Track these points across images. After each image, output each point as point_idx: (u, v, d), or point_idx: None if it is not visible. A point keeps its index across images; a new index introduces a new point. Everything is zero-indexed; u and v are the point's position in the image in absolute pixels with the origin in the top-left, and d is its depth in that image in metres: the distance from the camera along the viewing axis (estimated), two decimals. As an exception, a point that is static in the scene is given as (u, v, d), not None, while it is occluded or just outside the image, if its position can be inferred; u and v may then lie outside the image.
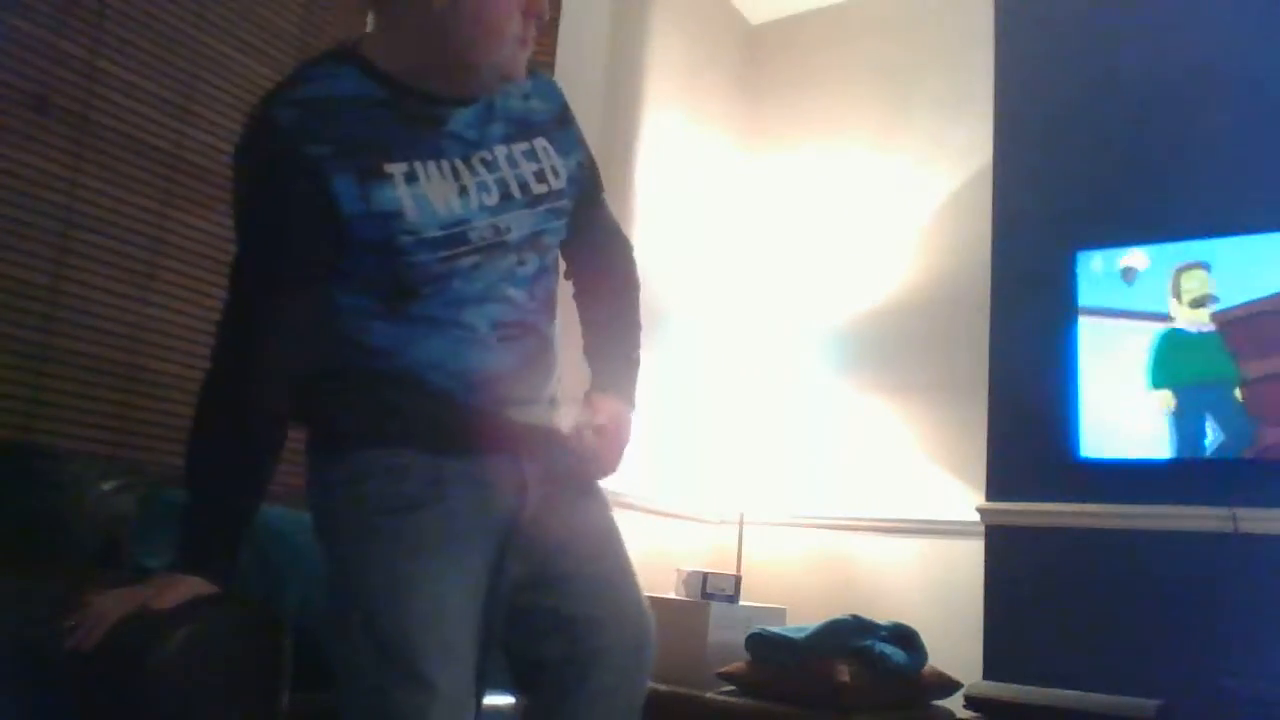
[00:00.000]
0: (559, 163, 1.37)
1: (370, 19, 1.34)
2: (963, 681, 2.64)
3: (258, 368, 1.26)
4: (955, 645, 2.82)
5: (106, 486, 1.88)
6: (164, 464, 2.20)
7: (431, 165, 1.25)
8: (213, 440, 1.28)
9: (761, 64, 4.03)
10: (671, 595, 3.01)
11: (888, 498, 3.36)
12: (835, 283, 3.63)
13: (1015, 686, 2.56)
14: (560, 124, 1.40)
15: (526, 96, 1.37)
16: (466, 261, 1.25)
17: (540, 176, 1.34)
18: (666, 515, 3.41)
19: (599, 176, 1.50)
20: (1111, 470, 2.73)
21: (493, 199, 1.28)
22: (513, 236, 1.30)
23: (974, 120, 3.33)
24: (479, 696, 1.25)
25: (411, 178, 1.23)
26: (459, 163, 1.27)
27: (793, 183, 3.85)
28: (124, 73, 2.20)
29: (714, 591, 2.95)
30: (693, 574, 3.00)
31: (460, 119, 1.29)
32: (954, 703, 2.69)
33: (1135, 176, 2.89)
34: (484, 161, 1.29)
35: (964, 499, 3.11)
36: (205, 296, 2.32)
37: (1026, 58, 3.16)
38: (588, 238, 1.47)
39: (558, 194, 1.36)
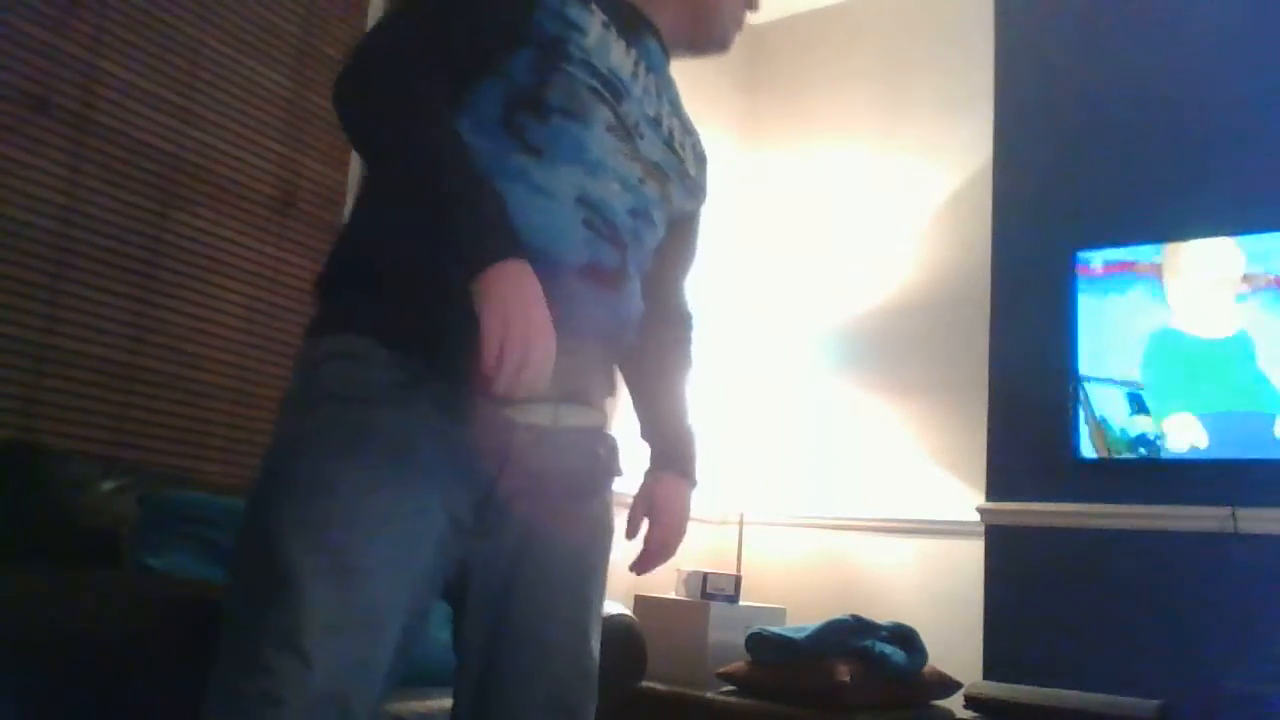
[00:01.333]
0: (695, 163, 1.35)
1: None
2: (963, 681, 2.65)
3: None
4: (955, 645, 2.82)
5: (106, 486, 1.88)
6: (164, 464, 2.20)
7: (623, 43, 1.22)
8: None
9: (762, 64, 4.03)
10: (671, 595, 3.02)
11: (888, 498, 3.36)
12: (835, 282, 3.63)
13: (1015, 686, 2.56)
14: (701, 161, 1.38)
15: (684, 112, 1.36)
16: (605, 116, 1.18)
17: (684, 145, 1.31)
18: (666, 515, 3.40)
19: (698, 238, 1.46)
20: (1111, 470, 2.73)
21: (648, 109, 1.25)
22: (644, 147, 1.24)
23: (974, 120, 3.32)
24: (389, 679, 1.06)
25: (606, 25, 1.20)
26: (643, 64, 1.25)
27: (793, 182, 3.85)
28: (124, 73, 2.20)
29: (714, 591, 2.95)
30: (693, 574, 3.00)
31: (656, 49, 1.30)
32: (954, 703, 2.69)
33: (1135, 176, 2.89)
34: (657, 88, 1.28)
35: (964, 499, 3.11)
36: (205, 296, 2.32)
37: (1026, 57, 3.16)
38: (670, 257, 1.39)
39: (689, 175, 1.33)
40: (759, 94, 4.01)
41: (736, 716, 2.58)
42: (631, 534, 1.31)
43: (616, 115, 1.19)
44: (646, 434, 1.41)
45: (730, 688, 2.67)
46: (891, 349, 3.47)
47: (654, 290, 1.34)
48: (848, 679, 2.44)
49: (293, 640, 0.96)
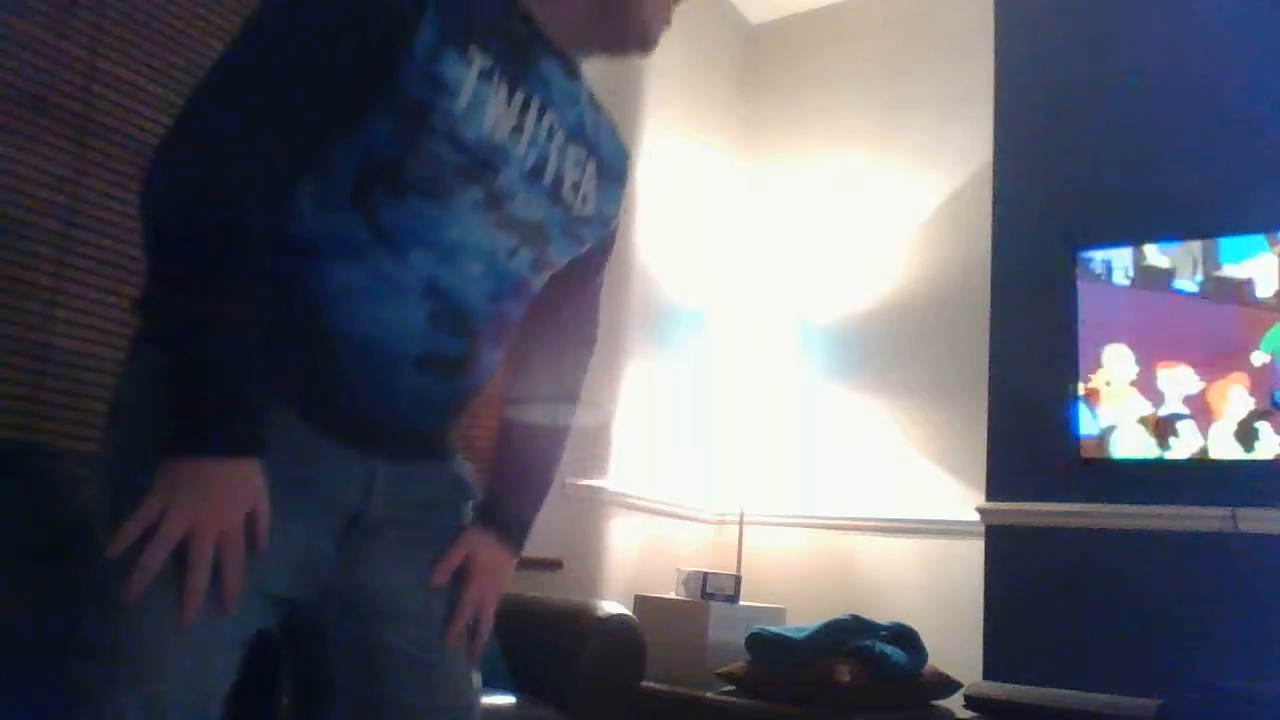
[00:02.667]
0: (595, 196, 1.22)
1: None
2: (963, 681, 2.65)
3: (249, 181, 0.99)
4: (955, 645, 2.82)
5: (106, 486, 1.88)
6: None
7: (508, 83, 1.09)
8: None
9: (761, 64, 4.03)
10: (671, 595, 3.02)
11: (888, 498, 3.36)
12: (835, 282, 3.63)
13: (1015, 686, 2.56)
14: (615, 177, 1.27)
15: (600, 128, 1.25)
16: (472, 194, 1.07)
17: (575, 188, 1.19)
18: (666, 514, 3.41)
19: (606, 259, 1.36)
20: (1111, 470, 2.73)
21: (528, 164, 1.12)
22: (518, 211, 1.12)
23: (974, 120, 3.33)
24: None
25: (485, 76, 1.06)
26: (533, 103, 1.12)
27: (793, 182, 3.85)
28: (124, 73, 2.20)
29: (714, 591, 2.95)
30: (693, 574, 3.00)
31: (553, 73, 1.16)
32: (954, 703, 2.69)
33: (1135, 175, 2.89)
34: (547, 127, 1.14)
35: (964, 499, 3.11)
36: (205, 296, 2.32)
37: (1026, 57, 3.16)
38: (565, 292, 1.30)
39: (579, 219, 1.20)
40: (758, 94, 4.01)
41: (736, 716, 2.58)
42: (441, 578, 1.16)
43: (488, 190, 1.08)
44: (490, 474, 1.28)
45: (730, 688, 2.67)
46: (892, 349, 3.47)
47: (547, 315, 1.28)
48: (848, 679, 2.44)
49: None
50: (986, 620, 2.84)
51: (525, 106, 1.11)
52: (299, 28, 1.01)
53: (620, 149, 1.30)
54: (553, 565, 2.91)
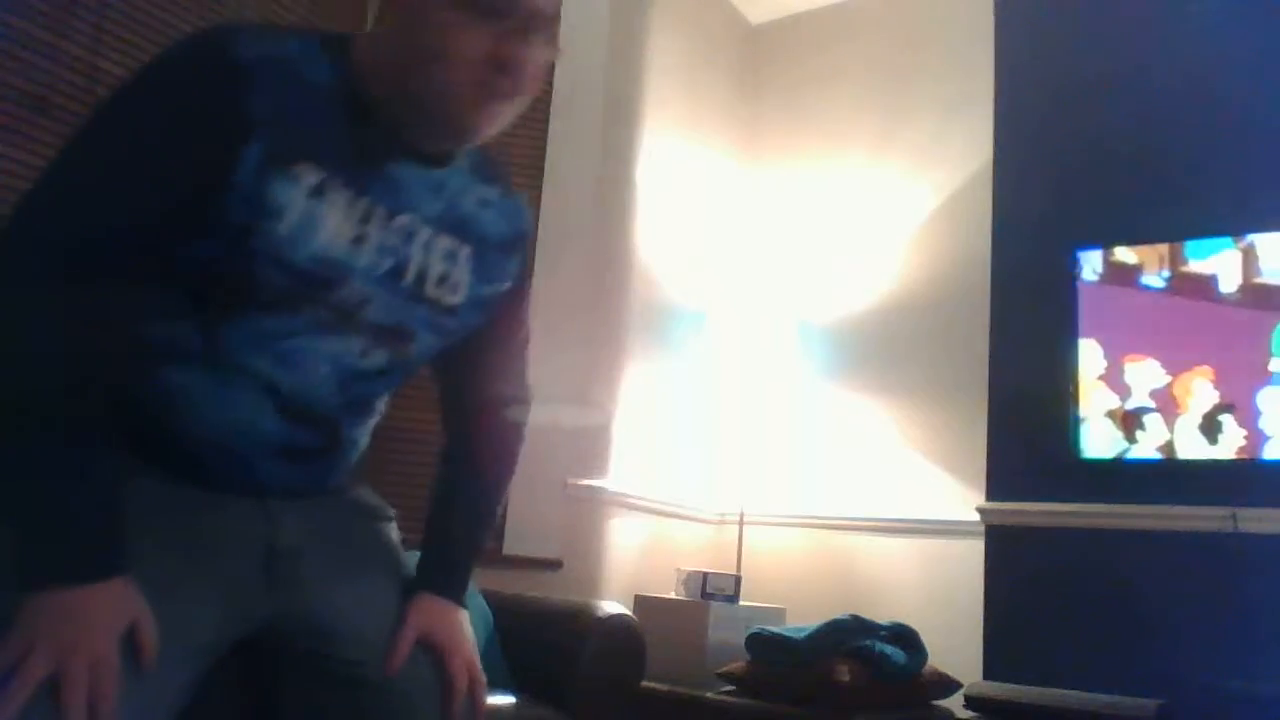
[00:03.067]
0: (469, 282, 1.20)
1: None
2: (963, 681, 2.64)
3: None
4: (955, 645, 2.82)
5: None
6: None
7: (347, 194, 1.06)
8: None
9: (761, 64, 4.03)
10: (671, 595, 3.02)
11: (888, 498, 3.36)
12: (835, 282, 3.63)
13: (1015, 686, 2.56)
14: (503, 249, 1.24)
15: (485, 204, 1.21)
16: (307, 312, 1.07)
17: (442, 280, 1.16)
18: (666, 514, 3.41)
19: (516, 322, 1.32)
20: (1112, 470, 2.73)
21: (382, 269, 1.10)
22: (370, 315, 1.11)
23: (974, 120, 3.33)
24: None
25: (317, 192, 1.04)
26: (378, 210, 1.09)
27: (793, 182, 3.85)
28: (124, 73, 2.19)
29: (714, 591, 2.95)
30: (693, 574, 3.00)
31: (408, 172, 1.12)
32: (954, 703, 2.69)
33: (1135, 176, 2.89)
34: (401, 229, 1.12)
35: (964, 499, 3.11)
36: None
37: (1026, 57, 3.16)
38: (477, 376, 1.29)
39: (447, 309, 1.18)
40: (758, 95, 4.01)
41: (736, 716, 2.58)
42: (397, 663, 1.14)
43: (326, 305, 1.07)
44: (428, 532, 1.28)
45: (730, 687, 2.67)
46: (891, 349, 3.47)
47: (467, 386, 1.29)
48: (848, 679, 2.44)
49: None
50: (986, 620, 2.84)
51: (368, 216, 1.08)
52: (121, 148, 1.00)
53: (515, 217, 1.26)
54: (553, 565, 2.91)
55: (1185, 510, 2.60)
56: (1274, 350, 2.55)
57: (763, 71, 4.03)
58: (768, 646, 2.62)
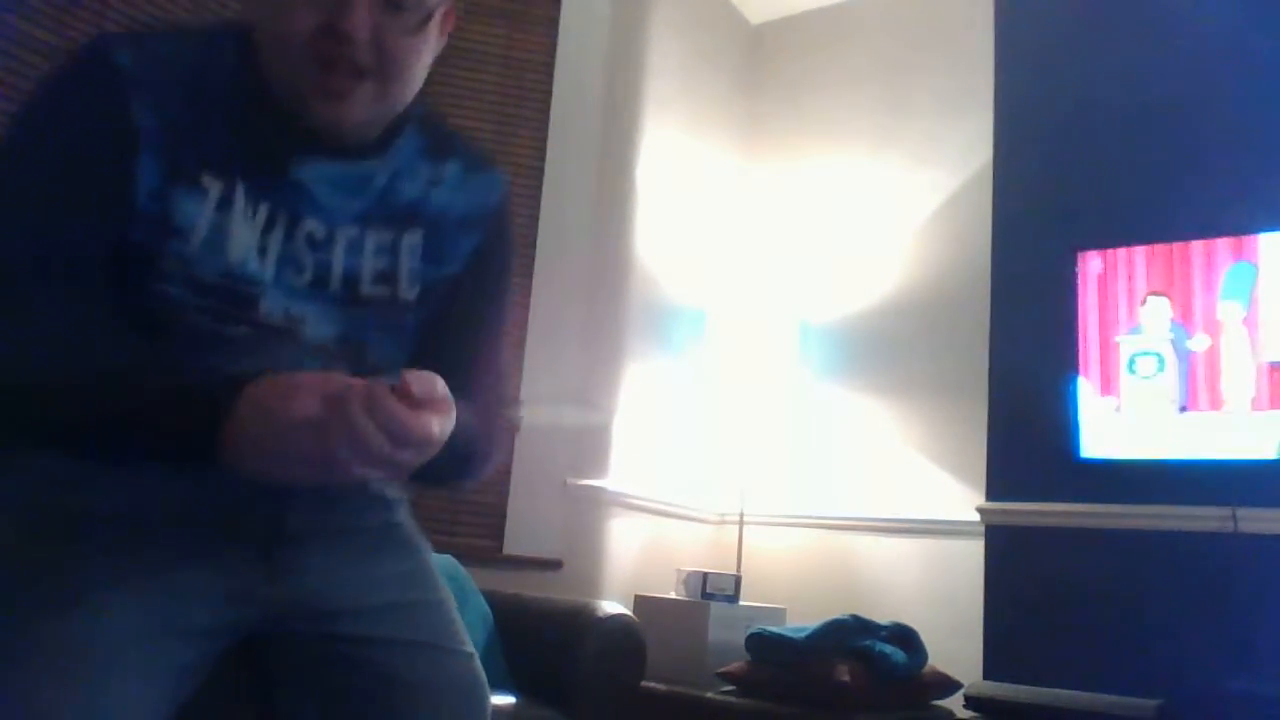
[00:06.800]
0: (416, 269, 1.11)
1: None
2: (963, 681, 2.65)
3: None
4: (955, 645, 2.82)
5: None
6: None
7: (248, 202, 1.00)
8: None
9: (761, 64, 4.03)
10: (671, 595, 3.02)
11: (887, 498, 3.36)
12: (835, 282, 3.64)
13: (1015, 686, 2.56)
14: (463, 226, 1.15)
15: (436, 183, 1.13)
16: (239, 332, 1.00)
17: (381, 278, 1.09)
18: (666, 514, 3.41)
19: (487, 305, 1.20)
20: (1111, 470, 2.73)
21: (302, 280, 1.04)
22: (308, 332, 1.04)
23: (974, 120, 3.33)
24: None
25: (224, 204, 0.98)
26: (280, 216, 1.02)
27: (793, 182, 3.85)
28: (124, 73, 2.20)
29: (714, 591, 2.95)
30: (693, 574, 3.00)
31: (316, 170, 1.04)
32: (954, 703, 2.69)
33: (1135, 176, 2.89)
34: (310, 236, 1.04)
35: (964, 499, 3.11)
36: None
37: (1027, 57, 3.16)
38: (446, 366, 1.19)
39: (396, 304, 1.10)
40: (758, 94, 4.01)
41: (736, 716, 2.58)
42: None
43: (252, 324, 1.01)
44: None
45: (730, 688, 2.67)
46: (891, 349, 3.47)
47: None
48: (848, 679, 2.44)
49: None
50: (986, 620, 2.84)
51: (270, 225, 1.02)
52: (25, 177, 0.95)
53: (485, 192, 1.17)
54: (553, 565, 2.91)
55: (1185, 510, 2.60)
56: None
57: (763, 71, 4.03)
58: (768, 646, 2.62)
